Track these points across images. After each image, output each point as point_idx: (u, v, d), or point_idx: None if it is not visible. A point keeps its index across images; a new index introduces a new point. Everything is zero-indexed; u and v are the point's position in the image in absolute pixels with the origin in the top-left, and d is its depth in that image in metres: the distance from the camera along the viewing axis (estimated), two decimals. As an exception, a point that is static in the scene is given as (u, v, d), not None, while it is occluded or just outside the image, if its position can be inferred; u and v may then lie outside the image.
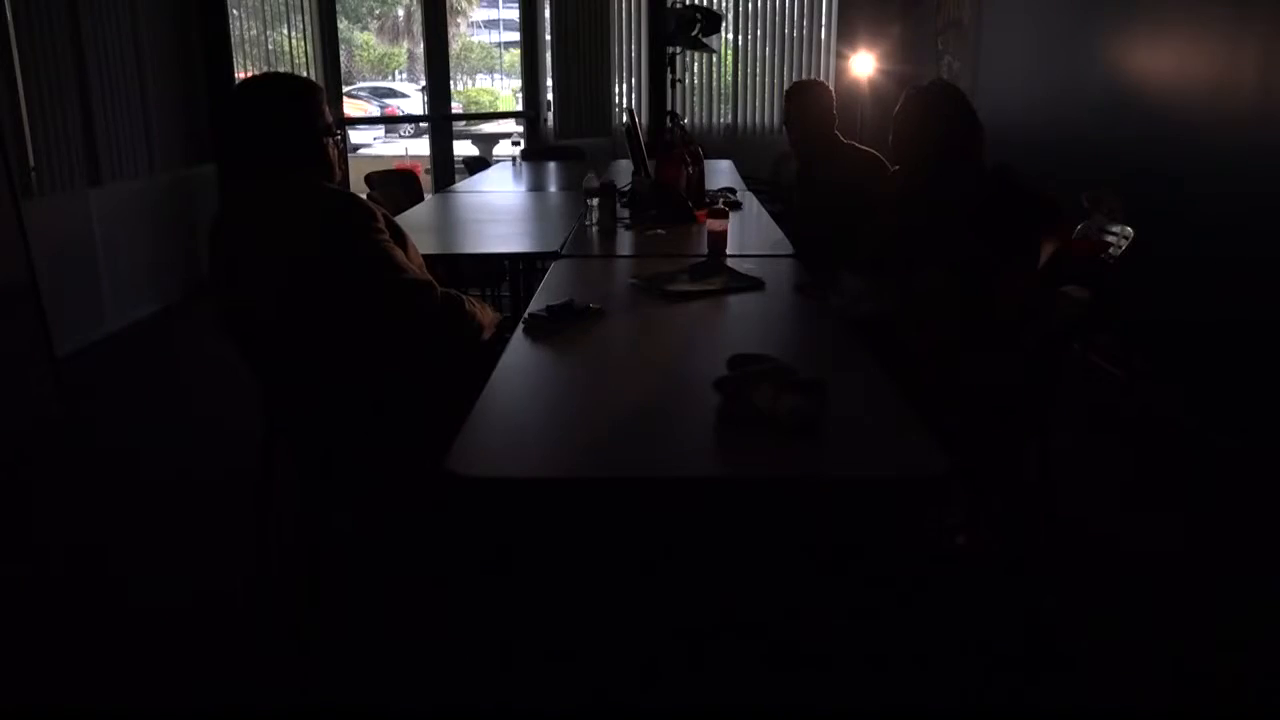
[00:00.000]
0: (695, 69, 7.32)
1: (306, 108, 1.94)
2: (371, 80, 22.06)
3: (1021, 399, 2.08)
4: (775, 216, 3.68)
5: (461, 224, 3.70)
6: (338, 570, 2.43)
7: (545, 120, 7.34)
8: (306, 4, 6.37)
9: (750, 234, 3.35)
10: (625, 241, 3.18)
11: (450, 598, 2.16)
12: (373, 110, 17.46)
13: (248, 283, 1.91)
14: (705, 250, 2.83)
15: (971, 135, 2.28)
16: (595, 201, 3.32)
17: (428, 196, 4.58)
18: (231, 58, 5.70)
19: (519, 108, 7.91)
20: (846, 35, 6.97)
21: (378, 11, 23.28)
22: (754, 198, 4.16)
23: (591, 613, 1.81)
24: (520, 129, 7.96)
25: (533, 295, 2.40)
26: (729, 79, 7.39)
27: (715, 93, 7.41)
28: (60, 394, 3.66)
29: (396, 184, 4.48)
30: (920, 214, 2.36)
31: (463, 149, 8.26)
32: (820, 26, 7.22)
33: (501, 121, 12.14)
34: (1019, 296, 2.10)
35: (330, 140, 1.99)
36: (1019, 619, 2.22)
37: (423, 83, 8.54)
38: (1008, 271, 2.11)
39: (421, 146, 11.40)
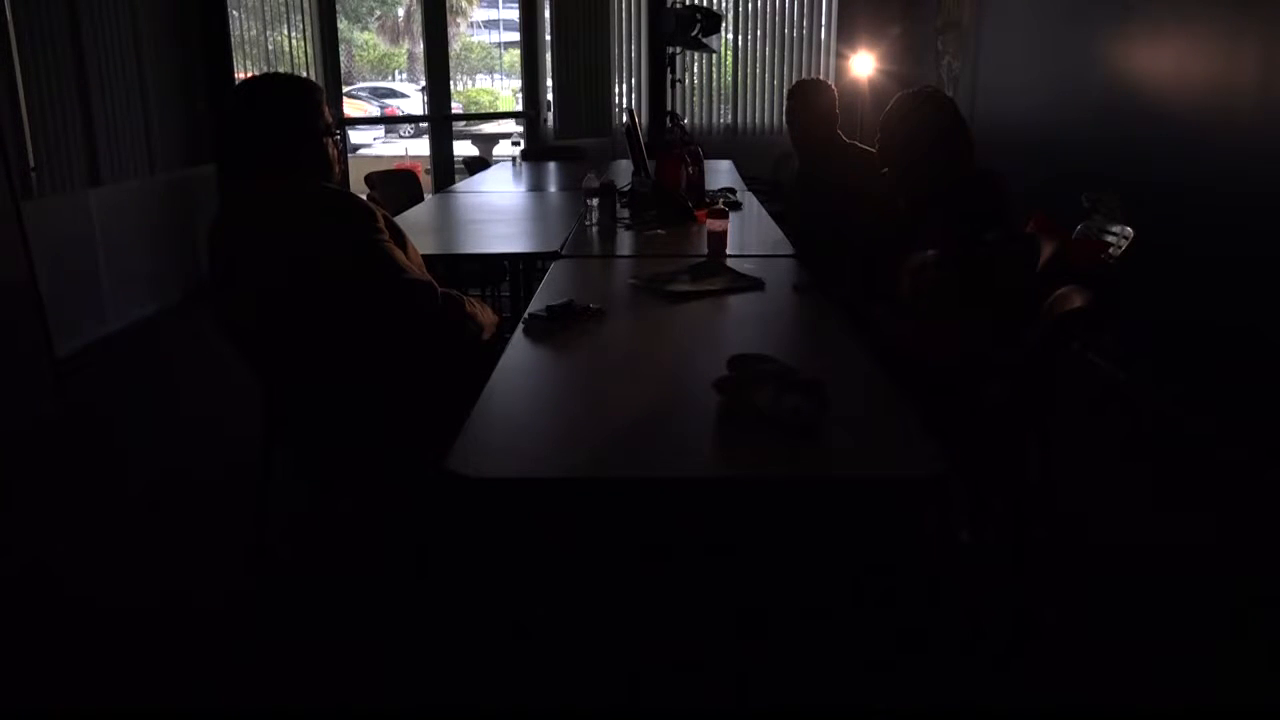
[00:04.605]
0: (695, 69, 7.32)
1: (306, 108, 1.94)
2: (371, 80, 22.06)
3: (1022, 398, 2.08)
4: (775, 216, 3.68)
5: (461, 224, 3.70)
6: (336, 569, 2.43)
7: (545, 120, 7.34)
8: (306, 4, 6.37)
9: (750, 234, 3.35)
10: (625, 241, 3.18)
11: (450, 597, 2.16)
12: (373, 110, 17.46)
13: (247, 283, 1.91)
14: (705, 250, 2.83)
15: (958, 141, 2.29)
16: (595, 201, 3.32)
17: (428, 197, 4.58)
18: (231, 58, 5.70)
19: (519, 108, 7.91)
20: (846, 35, 6.97)
21: (378, 12, 23.28)
22: (754, 198, 4.16)
23: (591, 613, 1.80)
24: (520, 129, 7.96)
25: (533, 295, 2.39)
26: (729, 79, 7.39)
27: (715, 93, 7.41)
28: (60, 394, 3.66)
29: (396, 184, 4.48)
30: (905, 215, 2.37)
31: (463, 149, 8.25)
32: (820, 26, 7.22)
33: (501, 121, 12.14)
34: (1012, 288, 2.11)
35: (330, 140, 1.99)
36: (1019, 618, 2.22)
37: (423, 83, 8.54)
38: (997, 263, 2.11)
39: (421, 146, 11.40)
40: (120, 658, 2.10)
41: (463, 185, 4.96)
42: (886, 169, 2.53)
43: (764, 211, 3.80)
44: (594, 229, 3.31)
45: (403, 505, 2.39)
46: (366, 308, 1.91)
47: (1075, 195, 3.39)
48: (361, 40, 23.09)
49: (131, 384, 4.09)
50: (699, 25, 5.65)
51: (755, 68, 7.33)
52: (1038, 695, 1.97)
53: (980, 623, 2.18)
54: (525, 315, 2.13)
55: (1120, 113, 3.96)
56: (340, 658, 2.08)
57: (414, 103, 18.20)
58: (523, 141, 6.69)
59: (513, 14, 13.26)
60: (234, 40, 5.75)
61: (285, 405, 2.08)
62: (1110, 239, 3.16)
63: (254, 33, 6.14)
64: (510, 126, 10.94)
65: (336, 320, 1.90)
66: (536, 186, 4.89)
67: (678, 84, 6.59)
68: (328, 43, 6.51)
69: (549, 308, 2.12)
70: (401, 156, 12.97)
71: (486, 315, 2.16)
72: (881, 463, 1.44)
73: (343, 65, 7.49)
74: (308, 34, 6.43)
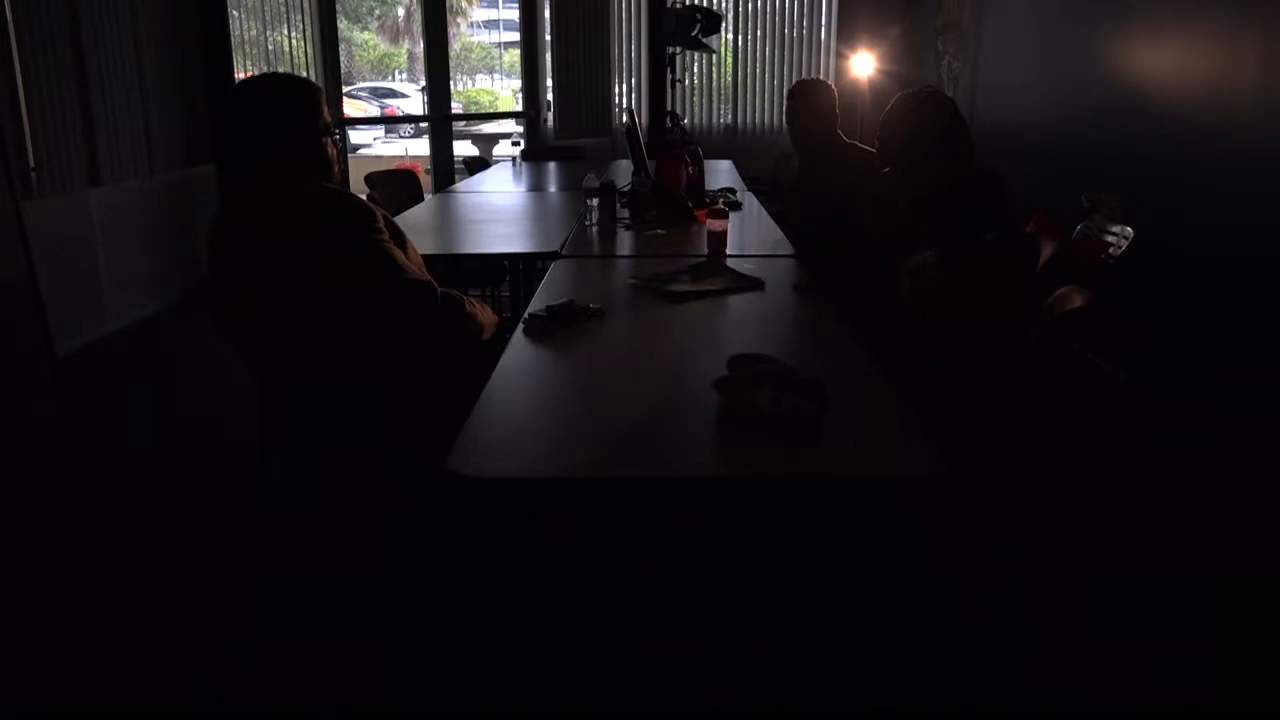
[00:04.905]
0: (695, 69, 7.32)
1: (305, 108, 1.94)
2: (371, 80, 22.06)
3: (1022, 398, 2.08)
4: (775, 216, 3.68)
5: (461, 224, 3.70)
6: (336, 569, 2.43)
7: (545, 120, 7.34)
8: (306, 4, 6.37)
9: (750, 234, 3.35)
10: (625, 241, 3.18)
11: (450, 597, 2.16)
12: (373, 110, 17.46)
13: (247, 283, 1.91)
14: (705, 250, 2.83)
15: (958, 140, 2.29)
16: (595, 201, 3.32)
17: (428, 196, 4.58)
18: (231, 58, 5.70)
19: (519, 108, 7.91)
20: (846, 35, 6.97)
21: (378, 11, 23.28)
22: (754, 198, 4.16)
23: (591, 613, 1.80)
24: (520, 129, 7.96)
25: (533, 295, 2.39)
26: (729, 79, 7.39)
27: (715, 93, 7.41)
28: (60, 394, 3.66)
29: (396, 184, 4.48)
30: (905, 215, 2.37)
31: (463, 149, 8.26)
32: (820, 26, 7.22)
33: (501, 121, 12.15)
34: (1012, 286, 2.11)
35: (330, 140, 1.99)
36: (1019, 618, 2.22)
37: (423, 83, 8.54)
38: (997, 261, 2.11)
39: (421, 146, 11.41)
40: (120, 658, 2.10)
41: (463, 185, 4.96)
42: (887, 169, 2.53)
43: (764, 211, 3.80)
44: (594, 229, 3.31)
45: (403, 505, 2.39)
46: (366, 308, 1.91)
47: (1075, 195, 3.39)
48: (361, 40, 23.09)
49: (131, 384, 4.09)
50: (699, 25, 5.65)
51: (755, 68, 7.33)
52: (1038, 695, 1.97)
53: (980, 623, 2.18)
54: (525, 315, 2.13)
55: (1120, 113, 3.96)
56: (340, 658, 2.08)
57: (414, 103, 18.20)
58: (523, 141, 6.69)
59: (513, 14, 13.27)
60: (234, 40, 5.75)
61: (285, 405, 2.08)
62: (1110, 239, 3.16)
63: (254, 33, 6.14)
64: (510, 126, 10.95)
65: (336, 320, 1.90)
66: (536, 186, 4.89)
67: (678, 84, 6.59)
68: (328, 43, 6.51)
69: (549, 308, 2.12)
70: (401, 156, 12.98)
71: (486, 315, 2.15)
72: (881, 463, 1.44)
73: (343, 65, 7.49)
74: (308, 34, 6.43)
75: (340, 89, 7.09)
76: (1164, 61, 3.70)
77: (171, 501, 2.88)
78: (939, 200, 2.27)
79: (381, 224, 1.94)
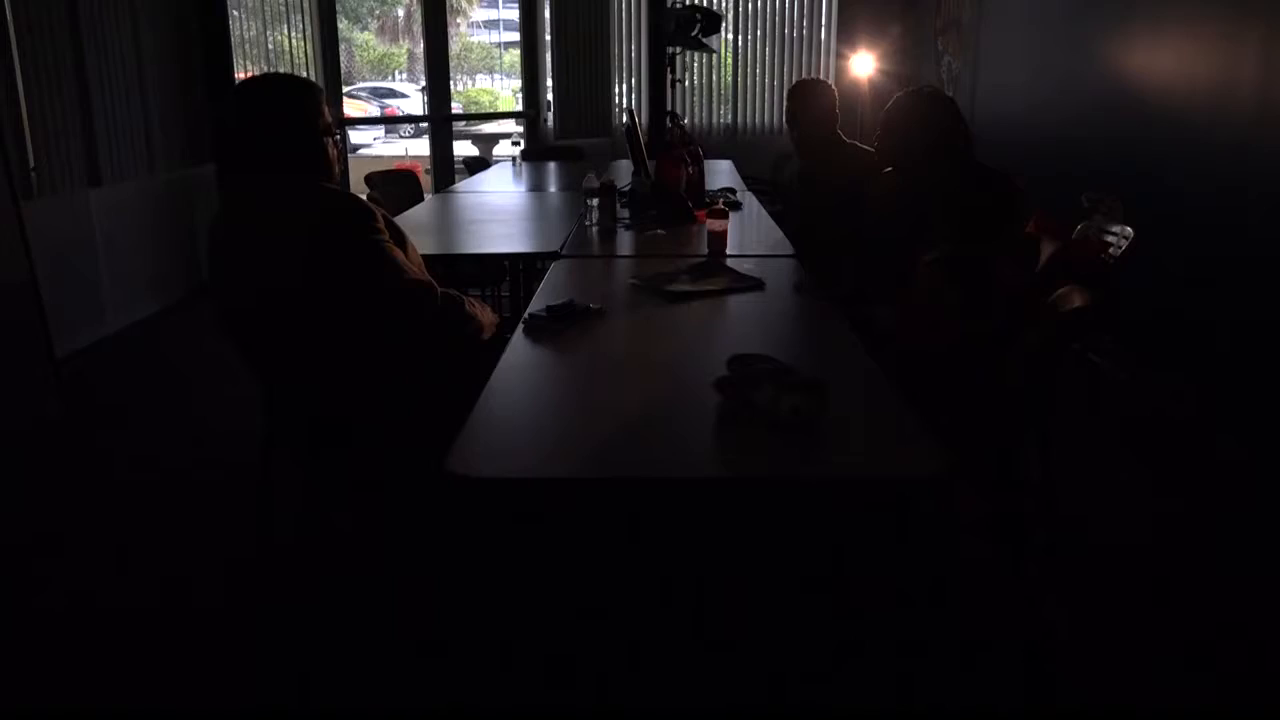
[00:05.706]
0: (695, 69, 7.33)
1: (306, 108, 1.93)
2: (371, 80, 22.06)
3: (1022, 398, 2.08)
4: (775, 216, 3.68)
5: (461, 224, 3.70)
6: (337, 570, 2.43)
7: (545, 120, 7.34)
8: (306, 4, 6.37)
9: (750, 234, 3.35)
10: (625, 241, 3.18)
11: (449, 598, 2.16)
12: (373, 110, 17.46)
13: (247, 284, 1.91)
14: (705, 250, 2.83)
15: (958, 139, 2.30)
16: (595, 201, 3.32)
17: (428, 197, 4.57)
18: (231, 58, 5.71)
19: (519, 108, 7.91)
20: (846, 35, 6.97)
21: (378, 11, 23.29)
22: (754, 198, 4.16)
23: (592, 613, 1.80)
24: (520, 129, 7.96)
25: (533, 295, 2.39)
26: (729, 79, 7.39)
27: (715, 93, 7.42)
28: (60, 394, 3.66)
29: (396, 184, 4.48)
30: (905, 214, 2.38)
31: (463, 149, 8.26)
32: (820, 26, 7.23)
33: (501, 121, 12.15)
34: (1014, 288, 2.11)
35: (330, 140, 1.99)
36: (1020, 618, 2.22)
37: (423, 83, 8.54)
38: (1000, 263, 2.12)
39: (421, 146, 11.41)
40: (120, 657, 2.10)
41: (463, 185, 4.96)
42: (888, 168, 2.54)
43: (764, 211, 3.80)
44: (594, 229, 3.31)
45: (402, 505, 2.39)
46: (367, 308, 1.91)
47: (1075, 195, 3.39)
48: (361, 40, 23.09)
49: (131, 384, 4.09)
50: (699, 25, 5.65)
51: (755, 68, 7.34)
52: (1040, 695, 1.97)
53: (982, 624, 2.18)
54: (525, 315, 2.13)
55: (1120, 113, 3.96)
56: (340, 658, 2.08)
57: (414, 103, 18.20)
58: (523, 141, 6.69)
59: (513, 14, 13.27)
60: (234, 40, 5.75)
61: (285, 405, 2.07)
62: (1110, 239, 3.16)
63: (254, 33, 6.14)
64: (510, 126, 10.94)
65: (336, 320, 1.90)
66: (536, 186, 4.89)
67: (678, 84, 6.59)
68: (328, 43, 6.51)
69: (549, 308, 2.12)
70: (401, 156, 12.99)
71: (486, 315, 2.15)
72: (881, 463, 1.44)
73: (343, 65, 7.49)
74: (308, 34, 6.43)
75: (340, 89, 7.09)
76: (1164, 61, 3.70)
77: (171, 501, 2.88)
78: (940, 198, 2.27)
79: (381, 224, 1.94)
